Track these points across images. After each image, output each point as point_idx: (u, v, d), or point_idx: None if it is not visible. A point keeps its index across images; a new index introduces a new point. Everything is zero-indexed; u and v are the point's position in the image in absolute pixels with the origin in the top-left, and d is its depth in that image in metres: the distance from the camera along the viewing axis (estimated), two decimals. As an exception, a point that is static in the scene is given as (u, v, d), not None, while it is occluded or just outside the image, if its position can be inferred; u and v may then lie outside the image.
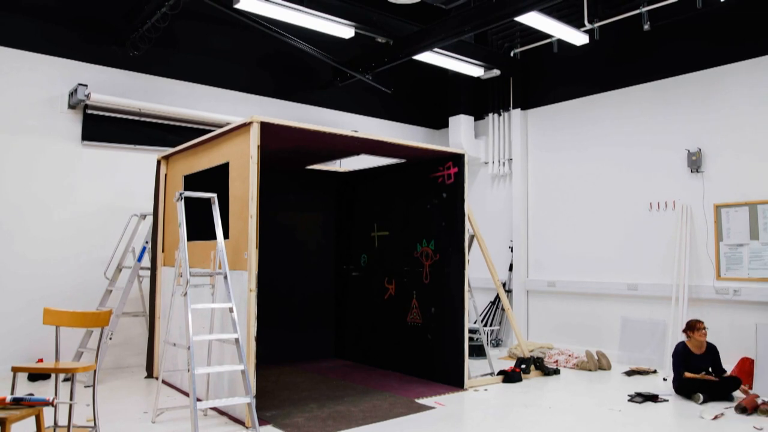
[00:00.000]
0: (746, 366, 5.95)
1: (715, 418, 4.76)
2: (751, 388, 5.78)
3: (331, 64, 7.99)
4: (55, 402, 3.13)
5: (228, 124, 5.67)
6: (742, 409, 4.88)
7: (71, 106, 6.56)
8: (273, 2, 6.07)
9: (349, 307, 7.42)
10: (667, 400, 5.33)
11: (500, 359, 7.49)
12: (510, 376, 6.13)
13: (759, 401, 4.97)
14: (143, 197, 6.93)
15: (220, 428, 4.43)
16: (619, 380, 6.24)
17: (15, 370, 3.62)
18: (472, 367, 6.68)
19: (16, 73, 6.30)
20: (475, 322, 7.08)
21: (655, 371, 6.62)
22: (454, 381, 5.86)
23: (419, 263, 6.42)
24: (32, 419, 4.15)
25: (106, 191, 6.78)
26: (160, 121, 7.12)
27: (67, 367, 3.68)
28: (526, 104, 8.80)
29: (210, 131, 5.69)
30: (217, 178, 5.19)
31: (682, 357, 5.55)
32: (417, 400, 5.26)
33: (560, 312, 8.10)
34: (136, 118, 6.94)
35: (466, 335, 5.80)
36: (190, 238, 5.41)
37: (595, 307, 7.68)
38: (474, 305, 6.63)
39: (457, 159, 6.05)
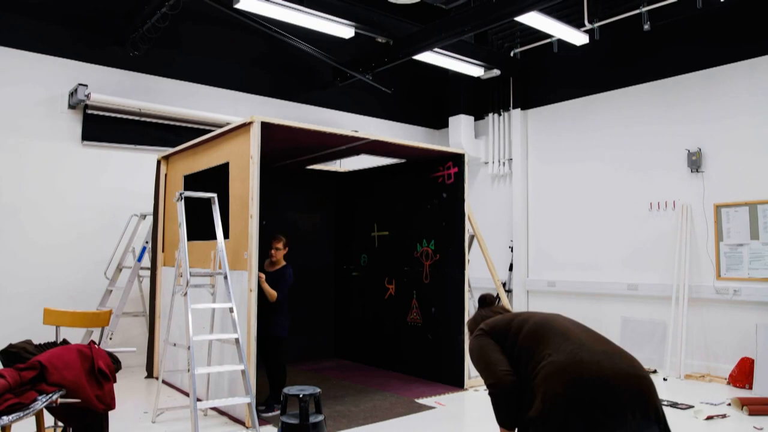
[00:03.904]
0: (746, 366, 5.95)
1: (709, 418, 4.76)
2: (751, 388, 5.78)
3: (331, 64, 7.99)
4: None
5: (228, 124, 5.67)
6: None
7: (71, 106, 6.56)
8: (273, 2, 6.06)
9: (349, 306, 7.42)
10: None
11: (500, 359, 7.48)
12: (510, 376, 6.12)
13: None
14: (143, 197, 6.92)
15: (220, 428, 4.43)
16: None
17: (15, 370, 3.62)
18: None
19: (17, 73, 6.29)
20: (475, 322, 7.09)
21: (655, 371, 6.62)
22: (455, 381, 5.86)
23: (419, 263, 6.42)
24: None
25: (106, 191, 6.77)
26: (160, 121, 7.12)
27: (67, 367, 3.67)
28: (526, 104, 8.80)
29: (210, 131, 5.68)
30: (217, 178, 5.18)
31: None
32: (417, 400, 5.25)
33: (560, 312, 8.06)
34: (137, 118, 6.94)
35: (467, 335, 5.79)
36: (190, 238, 5.40)
37: (595, 307, 7.67)
38: (474, 305, 6.62)
39: (457, 159, 6.05)
